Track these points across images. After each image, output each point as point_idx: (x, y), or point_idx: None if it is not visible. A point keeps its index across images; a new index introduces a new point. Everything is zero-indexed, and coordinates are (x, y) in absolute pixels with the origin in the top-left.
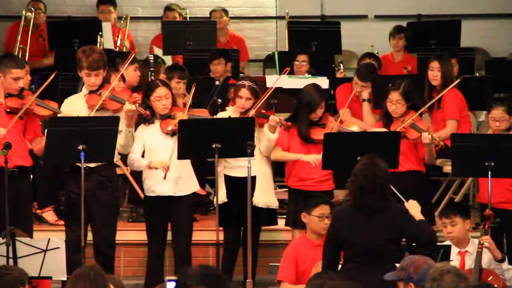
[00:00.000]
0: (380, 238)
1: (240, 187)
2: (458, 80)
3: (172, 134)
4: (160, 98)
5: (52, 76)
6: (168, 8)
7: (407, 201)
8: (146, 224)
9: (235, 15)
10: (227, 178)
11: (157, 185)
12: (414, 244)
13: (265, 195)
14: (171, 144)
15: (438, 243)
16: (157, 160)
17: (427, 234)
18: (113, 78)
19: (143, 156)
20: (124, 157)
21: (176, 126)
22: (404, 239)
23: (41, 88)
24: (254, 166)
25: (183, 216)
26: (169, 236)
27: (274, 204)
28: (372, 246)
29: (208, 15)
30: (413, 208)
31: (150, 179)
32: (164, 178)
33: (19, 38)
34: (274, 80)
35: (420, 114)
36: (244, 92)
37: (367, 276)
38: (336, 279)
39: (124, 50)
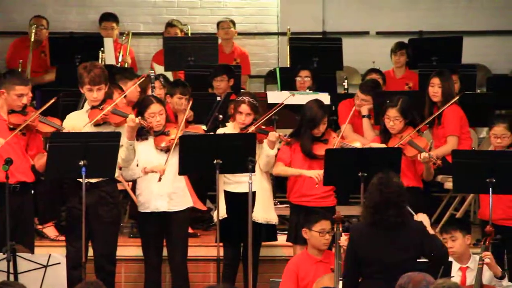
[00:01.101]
0: (401, 255)
1: (240, 203)
2: (458, 97)
3: (166, 150)
4: (154, 115)
5: (52, 100)
6: (170, 24)
7: (415, 213)
8: (142, 240)
9: (236, 31)
10: (227, 194)
11: (151, 201)
12: (428, 259)
13: (265, 211)
14: (165, 160)
15: None
16: (152, 165)
17: (442, 249)
18: (115, 95)
19: None
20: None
21: (170, 142)
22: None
23: (44, 107)
24: (254, 182)
25: (178, 231)
26: (165, 252)
27: (273, 219)
28: (393, 263)
29: (209, 31)
30: (424, 221)
31: (143, 195)
32: (159, 181)
33: (30, 55)
34: (276, 96)
35: (418, 131)
36: (244, 108)
37: None
38: None
39: (126, 66)
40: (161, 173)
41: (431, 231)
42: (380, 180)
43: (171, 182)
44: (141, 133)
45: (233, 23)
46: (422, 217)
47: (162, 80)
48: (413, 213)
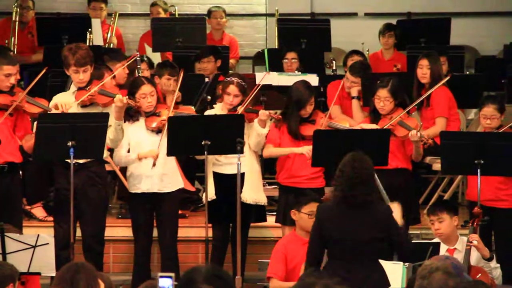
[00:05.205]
0: (367, 235)
1: (229, 184)
2: (447, 78)
3: (157, 131)
4: (145, 96)
5: (43, 72)
6: (152, 4)
7: (391, 200)
8: (132, 220)
9: (227, 20)
10: (216, 175)
11: (142, 182)
12: (393, 249)
13: (254, 192)
14: (157, 141)
15: (427, 241)
16: (145, 151)
17: (408, 242)
18: (105, 75)
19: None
20: (112, 154)
21: (161, 123)
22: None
23: (31, 84)
24: (243, 163)
25: (168, 212)
26: (155, 233)
27: (262, 200)
28: (360, 243)
29: (197, 12)
30: (395, 211)
31: (134, 176)
32: (154, 166)
33: (12, 37)
34: (264, 77)
35: (408, 112)
36: (232, 89)
37: (354, 274)
38: (326, 278)
39: (111, 46)
40: (155, 158)
41: (400, 221)
42: (353, 157)
43: (162, 163)
44: (132, 114)
45: (225, 12)
46: (394, 206)
47: (147, 61)
48: (387, 199)
